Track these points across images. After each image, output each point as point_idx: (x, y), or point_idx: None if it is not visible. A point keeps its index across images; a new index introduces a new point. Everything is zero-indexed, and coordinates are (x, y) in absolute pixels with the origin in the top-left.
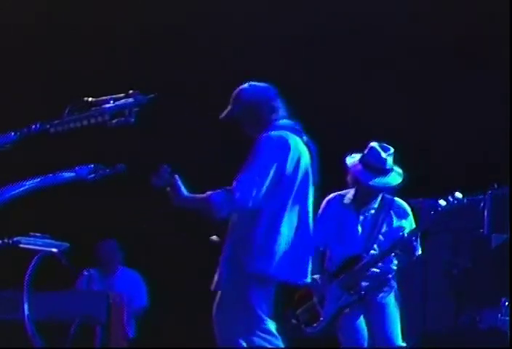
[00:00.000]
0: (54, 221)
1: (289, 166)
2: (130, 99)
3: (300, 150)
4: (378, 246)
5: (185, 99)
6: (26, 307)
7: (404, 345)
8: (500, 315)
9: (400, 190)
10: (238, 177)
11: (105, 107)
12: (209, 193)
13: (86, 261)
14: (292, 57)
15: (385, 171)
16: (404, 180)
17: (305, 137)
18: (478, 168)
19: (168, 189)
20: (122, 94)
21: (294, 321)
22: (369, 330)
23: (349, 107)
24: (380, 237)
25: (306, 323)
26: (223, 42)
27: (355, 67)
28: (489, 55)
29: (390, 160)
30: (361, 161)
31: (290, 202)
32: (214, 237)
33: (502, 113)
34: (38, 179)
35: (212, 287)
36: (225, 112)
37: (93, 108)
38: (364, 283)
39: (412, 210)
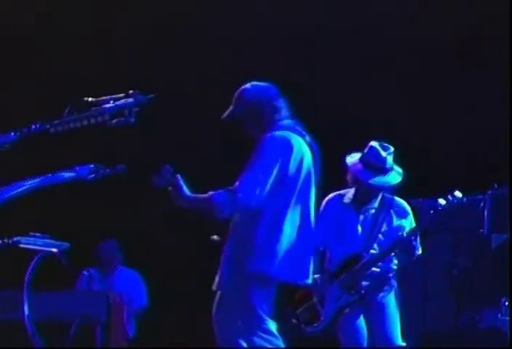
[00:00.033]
0: (54, 221)
1: (292, 167)
2: (130, 99)
3: (303, 151)
4: (378, 246)
5: (185, 99)
6: (26, 307)
7: (403, 344)
8: (500, 315)
9: (400, 190)
10: (241, 177)
11: (105, 107)
12: (211, 192)
13: (86, 261)
14: (292, 57)
15: (385, 170)
16: (403, 180)
17: (307, 137)
18: (478, 168)
19: (170, 189)
20: (122, 94)
21: (294, 321)
22: (368, 330)
23: (349, 107)
24: (380, 236)
25: (306, 322)
26: (223, 42)
27: (355, 67)
28: (489, 55)
29: (390, 159)
30: (361, 160)
31: (293, 202)
32: (214, 236)
33: (502, 113)
34: (38, 179)
35: (214, 287)
36: (227, 112)
37: (93, 108)
38: (364, 283)
39: (412, 210)
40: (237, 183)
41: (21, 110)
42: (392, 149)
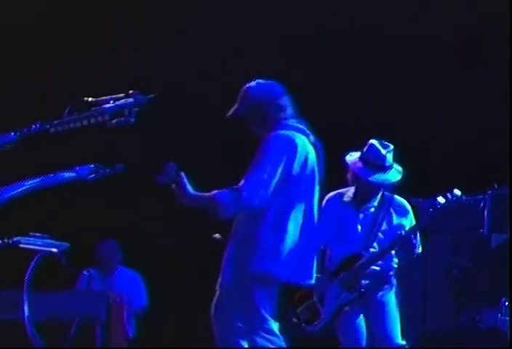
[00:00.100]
0: (54, 221)
1: (296, 166)
2: (130, 99)
3: (307, 150)
4: (378, 244)
5: (185, 99)
6: (26, 307)
7: (403, 343)
8: (500, 315)
9: (400, 190)
10: (246, 176)
11: (105, 107)
12: (215, 191)
13: (86, 261)
14: (292, 57)
15: (385, 168)
16: (403, 178)
17: (311, 137)
18: (478, 168)
19: (173, 186)
20: (122, 94)
21: (294, 320)
22: (368, 328)
23: (349, 107)
24: (380, 235)
25: (307, 321)
26: (223, 42)
27: (355, 67)
28: (489, 55)
29: (389, 157)
30: (360, 158)
31: (297, 202)
32: (216, 235)
33: (502, 113)
34: (38, 179)
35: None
36: (232, 110)
37: (93, 108)
38: (364, 282)
39: (412, 209)
40: (241, 182)
41: (21, 110)
42: (391, 147)
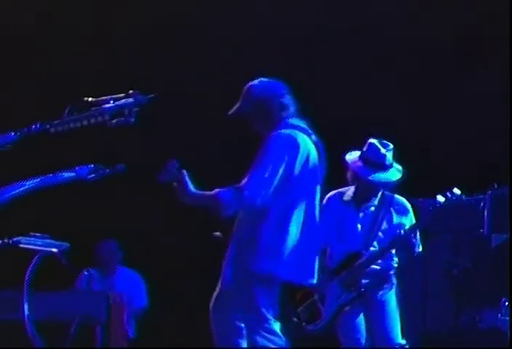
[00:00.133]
0: (54, 221)
1: (298, 165)
2: (130, 99)
3: (309, 149)
4: (378, 243)
5: (185, 99)
6: (26, 307)
7: (403, 342)
8: (500, 315)
9: (400, 190)
10: (248, 175)
11: (105, 107)
12: (217, 190)
13: (86, 261)
14: (292, 57)
15: (385, 167)
16: (403, 177)
17: (313, 136)
18: (478, 168)
19: (175, 184)
20: (122, 94)
21: (295, 319)
22: (368, 327)
23: (349, 108)
24: (380, 234)
25: (307, 321)
26: (223, 42)
27: (355, 67)
28: (489, 55)
29: (389, 156)
30: (360, 157)
31: (298, 201)
32: (217, 233)
33: (502, 113)
34: (38, 179)
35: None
36: (234, 108)
37: (93, 108)
38: (364, 281)
39: (412, 208)
40: (244, 181)
41: (21, 110)
42: (391, 146)
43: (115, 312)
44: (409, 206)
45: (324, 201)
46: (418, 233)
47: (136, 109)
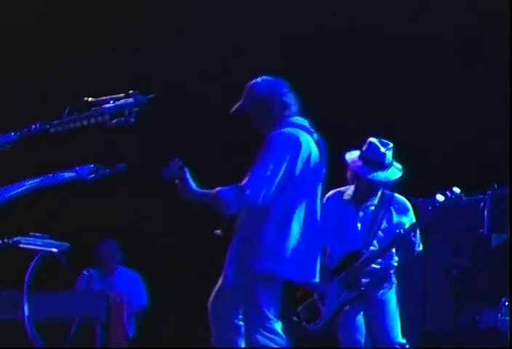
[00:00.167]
0: (54, 221)
1: (300, 164)
2: (130, 99)
3: (311, 148)
4: (378, 243)
5: (185, 99)
6: (26, 307)
7: (403, 341)
8: (500, 315)
9: (400, 190)
10: (249, 174)
11: (105, 107)
12: (219, 188)
13: (86, 261)
14: (292, 57)
15: (385, 166)
16: (403, 175)
17: (315, 135)
18: (478, 168)
19: (176, 181)
20: (122, 94)
21: (295, 319)
22: (368, 327)
23: (349, 108)
24: (380, 233)
25: (307, 320)
26: (223, 42)
27: (355, 67)
28: (489, 55)
29: (389, 154)
30: (360, 156)
31: (300, 200)
32: (218, 231)
33: (502, 113)
34: (38, 179)
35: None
36: (236, 106)
37: (93, 108)
38: (364, 280)
39: (412, 207)
40: (245, 180)
41: (21, 110)
42: (391, 145)
43: (115, 312)
44: (409, 205)
45: (324, 201)
46: (418, 232)
47: (136, 109)
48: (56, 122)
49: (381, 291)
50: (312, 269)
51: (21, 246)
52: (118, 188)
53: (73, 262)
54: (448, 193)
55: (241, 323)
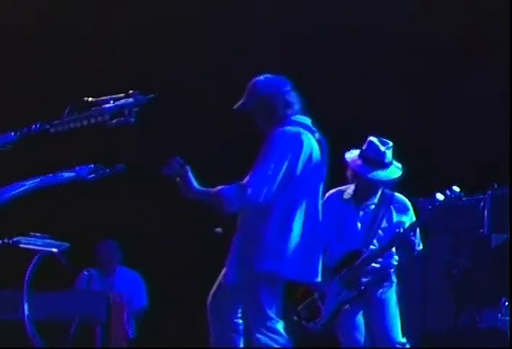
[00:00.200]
0: (54, 221)
1: (301, 163)
2: (130, 99)
3: (312, 147)
4: (378, 242)
5: (185, 99)
6: (26, 307)
7: (404, 340)
8: (500, 315)
9: (400, 190)
10: (251, 172)
11: (105, 107)
12: (220, 187)
13: (86, 261)
14: (292, 57)
15: (385, 165)
16: (403, 174)
17: (317, 134)
18: (478, 168)
19: (178, 179)
20: (122, 94)
21: (295, 318)
22: (368, 326)
23: (349, 108)
24: (380, 232)
25: (307, 319)
26: (223, 42)
27: (355, 67)
28: (489, 55)
29: (389, 153)
30: (360, 155)
31: (301, 199)
32: (218, 229)
33: (502, 113)
34: (38, 179)
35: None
36: (238, 103)
37: (93, 108)
38: (364, 279)
39: (412, 207)
40: (247, 178)
41: (21, 110)
42: (391, 144)
43: (115, 312)
44: (409, 204)
45: (324, 200)
46: (418, 232)
47: (136, 109)
48: (56, 122)
49: (381, 290)
50: (314, 268)
51: (21, 246)
52: (118, 188)
53: (73, 262)
54: (448, 192)
55: (240, 321)
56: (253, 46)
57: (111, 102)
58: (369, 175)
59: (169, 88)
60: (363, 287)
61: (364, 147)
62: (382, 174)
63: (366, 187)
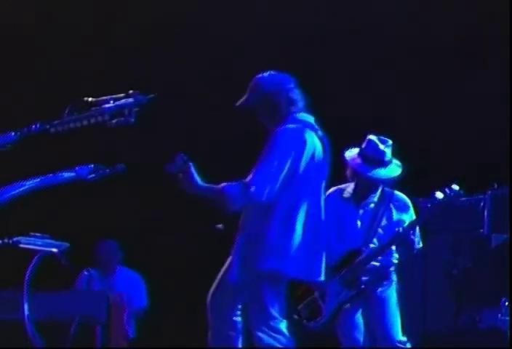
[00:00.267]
0: (54, 221)
1: (304, 161)
2: (130, 99)
3: (315, 145)
4: (378, 240)
5: (185, 99)
6: (26, 307)
7: (404, 339)
8: (500, 315)
9: (399, 190)
10: (254, 170)
11: (105, 107)
12: (224, 184)
13: (86, 261)
14: (292, 57)
15: (384, 163)
16: (403, 172)
17: (319, 132)
18: (478, 168)
19: (180, 176)
20: (122, 94)
21: (295, 317)
22: (368, 325)
23: (349, 108)
24: (380, 231)
25: (308, 318)
26: (223, 42)
27: (355, 67)
28: (489, 55)
29: (388, 152)
30: (359, 153)
31: (304, 197)
32: (220, 225)
33: (502, 113)
34: (38, 179)
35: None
36: (241, 100)
37: (93, 108)
38: (364, 278)
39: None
40: (250, 176)
41: (21, 110)
42: (390, 142)
43: (115, 312)
44: (409, 202)
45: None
46: (418, 230)
47: (136, 109)
48: (56, 122)
49: (381, 289)
50: (317, 267)
51: (21, 246)
52: (118, 188)
53: (73, 262)
54: (447, 190)
55: (239, 319)
56: (253, 46)
57: (111, 102)
58: (369, 174)
59: (169, 88)
60: (363, 286)
61: (363, 146)
62: (382, 173)
63: (366, 186)
